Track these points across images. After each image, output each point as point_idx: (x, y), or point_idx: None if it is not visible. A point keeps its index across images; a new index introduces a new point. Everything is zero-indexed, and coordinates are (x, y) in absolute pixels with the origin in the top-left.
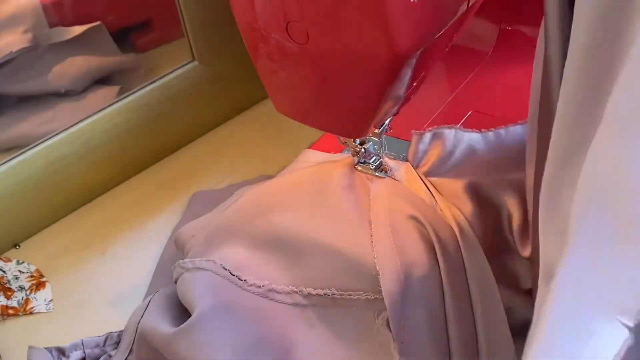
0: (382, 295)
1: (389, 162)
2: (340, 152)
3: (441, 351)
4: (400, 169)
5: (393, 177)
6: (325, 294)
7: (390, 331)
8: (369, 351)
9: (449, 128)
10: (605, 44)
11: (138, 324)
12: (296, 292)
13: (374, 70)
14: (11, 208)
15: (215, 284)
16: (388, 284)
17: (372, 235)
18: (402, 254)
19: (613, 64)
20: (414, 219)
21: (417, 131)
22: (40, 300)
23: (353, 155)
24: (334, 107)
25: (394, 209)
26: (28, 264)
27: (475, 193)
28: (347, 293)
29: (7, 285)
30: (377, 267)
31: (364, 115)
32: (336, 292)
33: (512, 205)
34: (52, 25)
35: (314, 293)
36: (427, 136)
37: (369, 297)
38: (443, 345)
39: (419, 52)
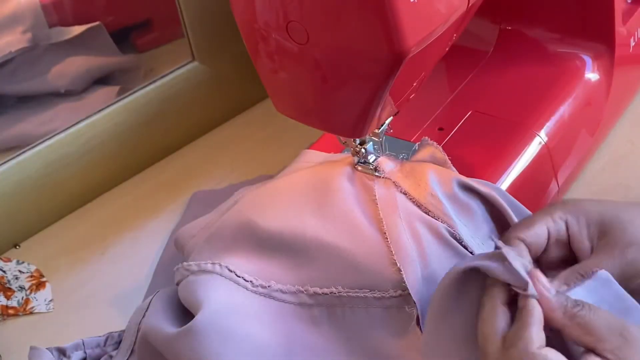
0: (388, 293)
1: (385, 161)
2: (340, 152)
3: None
4: (397, 167)
5: (388, 176)
6: (331, 293)
7: (420, 329)
8: (376, 349)
9: None
10: None
11: (139, 324)
12: (302, 292)
13: (374, 70)
14: (11, 208)
15: (221, 286)
16: (412, 282)
17: (385, 233)
18: (420, 248)
19: None
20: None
21: None
22: (40, 300)
23: (353, 155)
24: (334, 107)
25: (405, 207)
26: (28, 264)
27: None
28: (353, 291)
29: (7, 285)
30: (398, 264)
31: (364, 115)
32: (342, 290)
33: None
34: (51, 25)
35: (320, 292)
36: None
37: (375, 295)
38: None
39: (418, 51)
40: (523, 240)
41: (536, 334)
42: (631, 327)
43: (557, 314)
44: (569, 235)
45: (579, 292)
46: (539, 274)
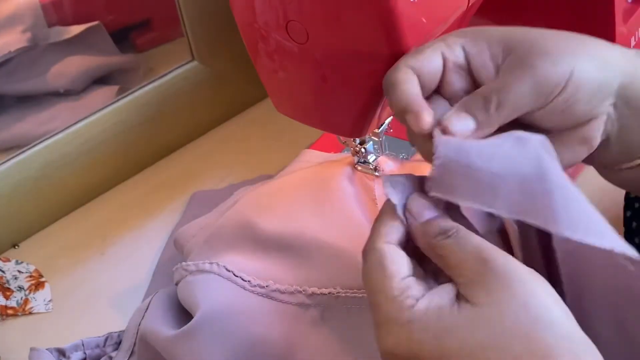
0: None
1: (385, 161)
2: (340, 152)
3: None
4: (397, 167)
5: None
6: (329, 293)
7: None
8: (374, 350)
9: None
10: None
11: (139, 325)
12: (300, 292)
13: (374, 70)
14: (10, 208)
15: (219, 286)
16: None
17: None
18: None
19: None
20: None
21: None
22: (39, 300)
23: (353, 155)
24: (334, 107)
25: None
26: (27, 264)
27: None
28: (352, 291)
29: (6, 285)
30: None
31: (364, 115)
32: (341, 290)
33: None
34: (50, 24)
35: (318, 292)
36: None
37: None
38: None
39: None
40: (412, 68)
41: (385, 228)
42: (496, 261)
43: (420, 243)
44: (469, 62)
45: (485, 149)
46: (415, 198)
